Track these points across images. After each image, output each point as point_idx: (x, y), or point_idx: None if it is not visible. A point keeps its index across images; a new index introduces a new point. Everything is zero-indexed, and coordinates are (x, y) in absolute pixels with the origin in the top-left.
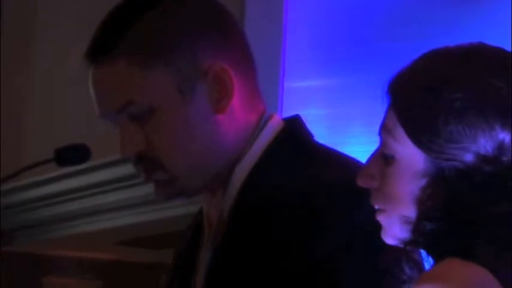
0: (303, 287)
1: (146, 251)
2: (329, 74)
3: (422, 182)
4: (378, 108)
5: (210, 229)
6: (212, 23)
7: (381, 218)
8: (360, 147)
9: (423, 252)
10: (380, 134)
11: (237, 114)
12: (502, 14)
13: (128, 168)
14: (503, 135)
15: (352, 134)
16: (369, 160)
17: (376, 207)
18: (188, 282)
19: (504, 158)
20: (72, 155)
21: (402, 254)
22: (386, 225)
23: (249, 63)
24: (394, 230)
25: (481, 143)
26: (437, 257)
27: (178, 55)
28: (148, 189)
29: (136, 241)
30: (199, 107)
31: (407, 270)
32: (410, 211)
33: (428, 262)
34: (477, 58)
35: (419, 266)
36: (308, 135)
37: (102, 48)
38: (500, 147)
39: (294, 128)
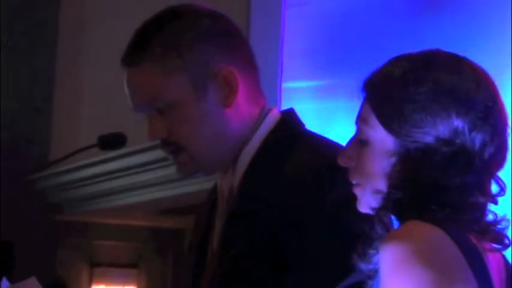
0: (297, 239)
1: (175, 218)
2: (318, 77)
3: (392, 160)
4: (355, 103)
5: (223, 200)
6: (221, 35)
7: (356, 190)
8: (341, 134)
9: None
10: (356, 122)
11: (242, 108)
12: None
13: (160, 153)
14: (458, 122)
15: (335, 123)
16: (348, 144)
17: (353, 182)
18: (206, 243)
19: (458, 141)
20: (111, 141)
21: (375, 217)
22: (361, 196)
23: (251, 66)
24: (367, 200)
25: (439, 128)
26: (403, 220)
27: (194, 61)
28: (174, 169)
29: (167, 211)
30: (211, 102)
31: (378, 230)
32: (381, 184)
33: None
34: (436, 61)
35: (388, 227)
36: (300, 124)
37: (133, 54)
38: (456, 132)
39: (289, 119)
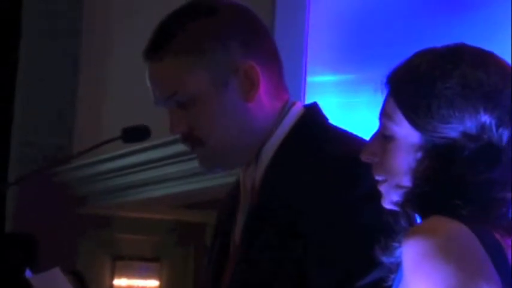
0: (320, 232)
1: (197, 212)
2: (343, 71)
3: (418, 155)
4: (379, 98)
5: (245, 195)
6: (243, 29)
7: (382, 187)
8: (365, 129)
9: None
10: (380, 118)
11: (264, 102)
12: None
13: (182, 147)
14: (485, 118)
15: (357, 118)
16: (371, 139)
17: (378, 178)
18: (228, 237)
19: (485, 136)
20: (135, 133)
21: (400, 210)
22: (386, 193)
23: (274, 59)
24: (392, 197)
25: (467, 124)
26: (426, 215)
27: (214, 56)
28: (197, 163)
29: (190, 205)
30: (232, 97)
31: (402, 223)
32: (405, 180)
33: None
34: (462, 55)
35: (412, 221)
36: (324, 118)
37: (153, 49)
38: (483, 127)
39: (312, 113)
